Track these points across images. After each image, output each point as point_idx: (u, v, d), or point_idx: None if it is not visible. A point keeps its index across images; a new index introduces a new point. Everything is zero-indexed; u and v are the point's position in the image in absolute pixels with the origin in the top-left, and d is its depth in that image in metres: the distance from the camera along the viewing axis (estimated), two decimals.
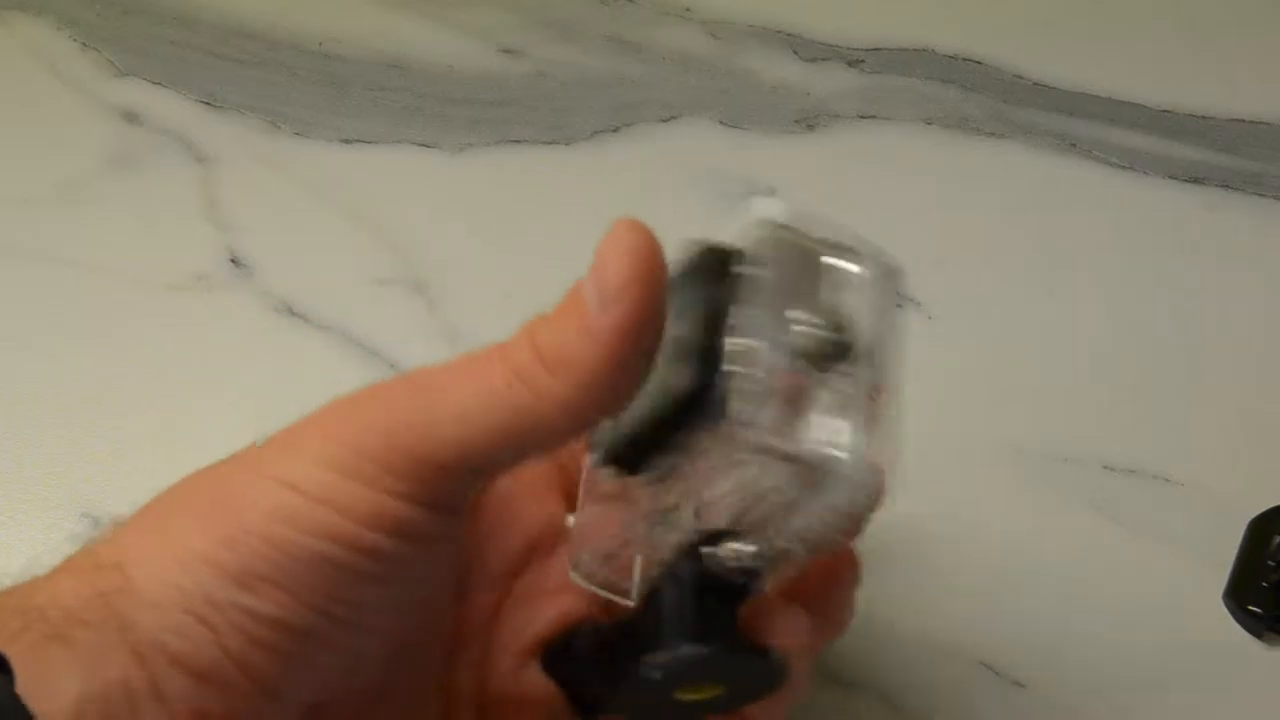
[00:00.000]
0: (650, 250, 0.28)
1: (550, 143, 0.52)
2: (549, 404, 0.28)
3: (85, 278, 0.49)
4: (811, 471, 0.28)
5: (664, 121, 0.52)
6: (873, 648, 0.40)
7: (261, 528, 0.28)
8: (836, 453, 0.28)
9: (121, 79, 0.54)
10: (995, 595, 0.41)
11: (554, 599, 0.34)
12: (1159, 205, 0.49)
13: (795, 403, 0.28)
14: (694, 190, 0.50)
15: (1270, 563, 0.41)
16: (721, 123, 0.52)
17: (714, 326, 0.28)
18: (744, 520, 0.30)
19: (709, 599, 0.30)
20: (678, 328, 0.29)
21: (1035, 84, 0.53)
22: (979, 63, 0.53)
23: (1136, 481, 0.43)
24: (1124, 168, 0.50)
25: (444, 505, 0.29)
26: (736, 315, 0.28)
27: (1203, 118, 0.51)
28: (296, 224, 0.50)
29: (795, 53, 0.54)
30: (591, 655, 0.32)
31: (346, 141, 0.52)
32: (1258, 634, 0.40)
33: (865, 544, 0.43)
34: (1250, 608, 0.40)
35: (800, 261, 0.30)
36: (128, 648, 0.27)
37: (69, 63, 0.55)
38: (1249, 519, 0.42)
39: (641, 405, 0.29)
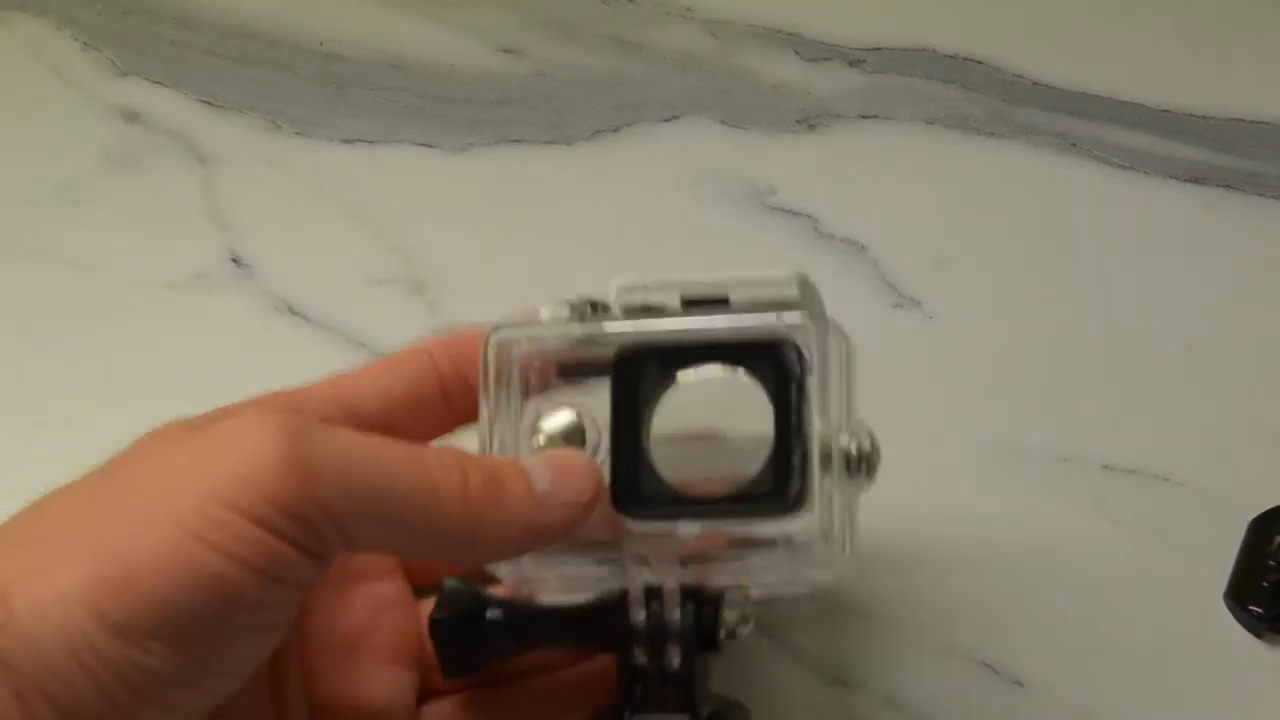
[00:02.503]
0: (598, 489, 0.32)
1: (550, 143, 0.52)
2: (449, 520, 0.30)
3: (85, 278, 0.49)
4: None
5: (664, 121, 0.52)
6: (873, 648, 0.40)
7: (149, 581, 0.27)
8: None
9: (122, 79, 0.54)
10: (995, 595, 0.41)
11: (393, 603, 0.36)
12: (1159, 205, 0.49)
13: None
14: (694, 190, 0.50)
15: (1270, 563, 0.41)
16: (722, 123, 0.52)
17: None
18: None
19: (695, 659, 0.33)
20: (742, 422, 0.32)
21: (1035, 84, 0.53)
22: (979, 63, 0.53)
23: (1136, 481, 0.43)
24: (1124, 168, 0.50)
25: (321, 555, 0.29)
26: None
27: (1203, 118, 0.51)
28: (297, 224, 0.50)
29: (796, 53, 0.54)
30: (491, 629, 0.34)
31: (347, 141, 0.52)
32: (1258, 634, 0.40)
33: (866, 544, 0.43)
34: (1250, 608, 0.40)
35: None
36: (7, 687, 0.27)
37: (69, 63, 0.55)
38: (1249, 519, 0.42)
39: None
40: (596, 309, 0.34)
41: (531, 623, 0.34)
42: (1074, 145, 0.51)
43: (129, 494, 0.29)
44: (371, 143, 0.52)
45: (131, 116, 0.53)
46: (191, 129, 0.53)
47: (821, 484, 0.31)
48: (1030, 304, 0.47)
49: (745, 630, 0.33)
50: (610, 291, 0.34)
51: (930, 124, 0.52)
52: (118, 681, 0.27)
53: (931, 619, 0.41)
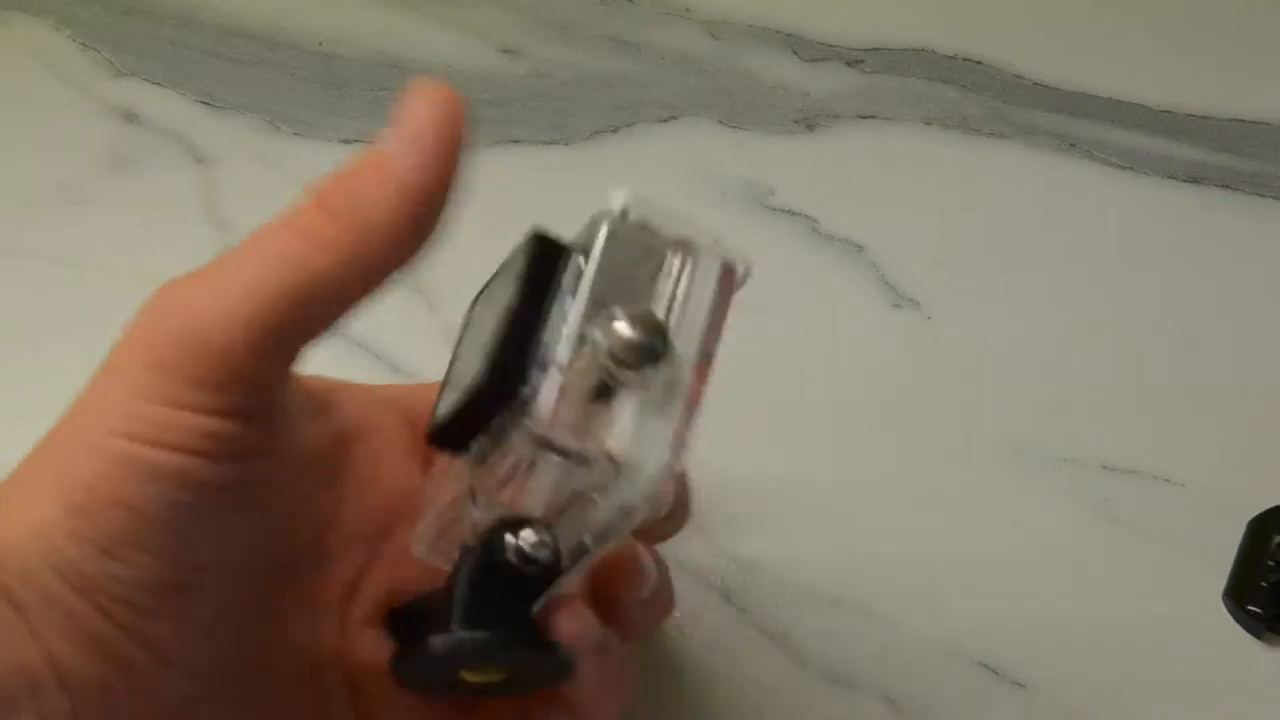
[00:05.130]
0: (452, 101, 0.29)
1: (550, 143, 0.52)
2: (329, 256, 0.28)
3: (85, 278, 0.49)
4: (604, 473, 0.29)
5: (664, 121, 0.52)
6: (873, 648, 0.40)
7: (105, 491, 0.27)
8: (628, 458, 0.28)
9: (121, 79, 0.54)
10: (995, 595, 0.41)
11: (411, 567, 0.34)
12: (1159, 205, 0.49)
13: (598, 402, 0.29)
14: (693, 190, 0.50)
15: (1270, 563, 0.41)
16: (721, 123, 0.52)
17: (530, 319, 0.29)
18: (542, 511, 0.31)
19: (501, 585, 0.30)
20: (493, 317, 0.29)
21: (1035, 84, 0.53)
22: (979, 63, 0.53)
23: (1136, 481, 0.43)
24: (1124, 168, 0.50)
25: (254, 412, 0.28)
26: (552, 309, 0.29)
27: (1203, 118, 0.51)
28: None
29: (795, 53, 0.54)
30: (415, 624, 0.32)
31: (346, 141, 0.52)
32: (1258, 634, 0.40)
33: (866, 543, 0.43)
34: (1250, 608, 0.40)
35: (635, 257, 0.30)
36: (23, 625, 0.27)
37: (69, 63, 0.55)
38: (1249, 519, 0.42)
39: (465, 384, 0.29)
40: None
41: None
42: (1074, 145, 0.51)
43: (71, 423, 0.29)
44: (371, 143, 0.52)
45: (130, 117, 0.53)
46: (190, 129, 0.53)
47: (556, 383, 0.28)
48: (1030, 304, 0.47)
49: (542, 553, 0.30)
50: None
51: (929, 124, 0.52)
52: (115, 601, 0.27)
53: (931, 619, 0.41)
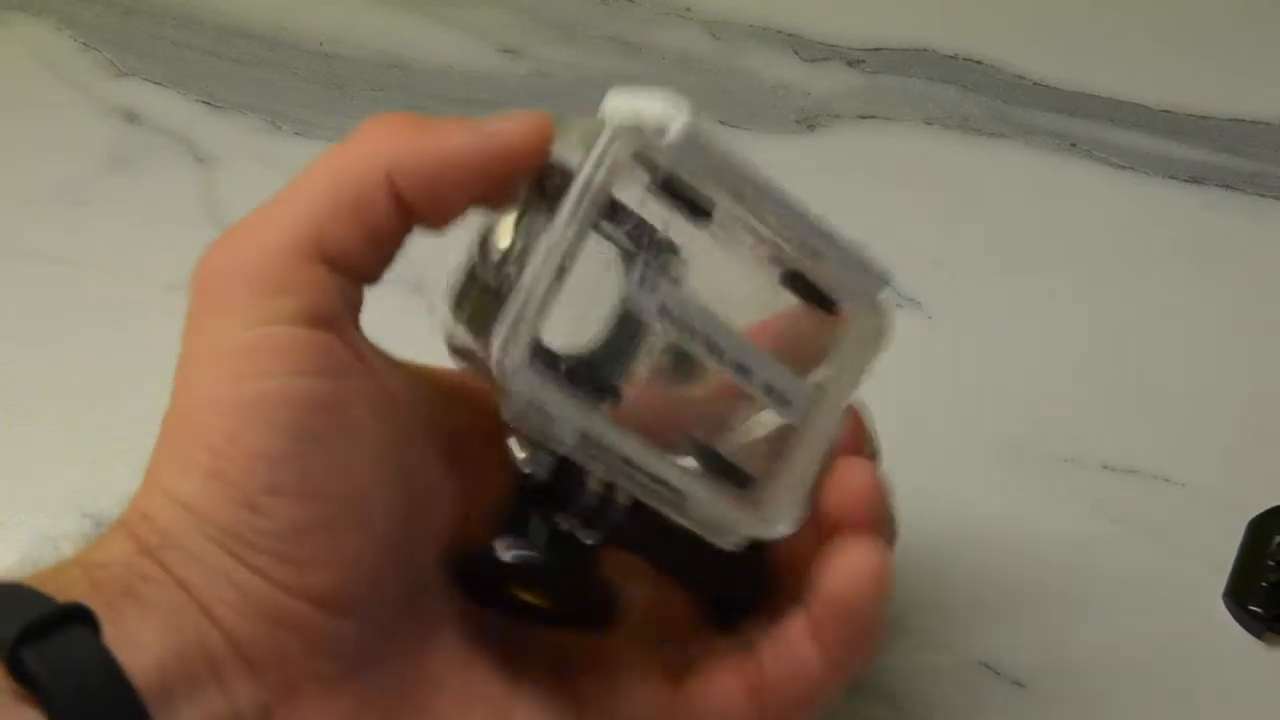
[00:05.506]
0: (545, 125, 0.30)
1: None
2: (381, 158, 0.29)
3: (85, 278, 0.49)
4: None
5: None
6: None
7: (230, 445, 0.28)
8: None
9: (121, 79, 0.54)
10: (995, 595, 0.41)
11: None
12: (1159, 205, 0.49)
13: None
14: None
15: (1270, 563, 0.41)
16: (721, 123, 0.52)
17: None
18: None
19: (570, 521, 0.31)
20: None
21: (1035, 84, 0.53)
22: (979, 63, 0.53)
23: (1136, 481, 0.43)
24: (1124, 168, 0.50)
25: (335, 320, 0.29)
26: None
27: (1203, 118, 0.51)
28: None
29: (795, 53, 0.54)
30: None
31: None
32: (1258, 634, 0.40)
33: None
34: (1250, 608, 0.40)
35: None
36: (194, 603, 0.27)
37: (69, 63, 0.55)
38: (1249, 519, 0.42)
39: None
40: None
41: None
42: (1074, 145, 0.51)
43: (179, 389, 0.29)
44: None
45: (131, 117, 0.53)
46: (191, 129, 0.53)
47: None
48: (1030, 304, 0.47)
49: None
50: None
51: (930, 124, 0.52)
52: (272, 559, 0.28)
53: (931, 619, 0.41)
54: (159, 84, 0.54)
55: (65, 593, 0.26)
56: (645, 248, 0.30)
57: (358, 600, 0.29)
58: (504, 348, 0.28)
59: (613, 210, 0.30)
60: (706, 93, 0.53)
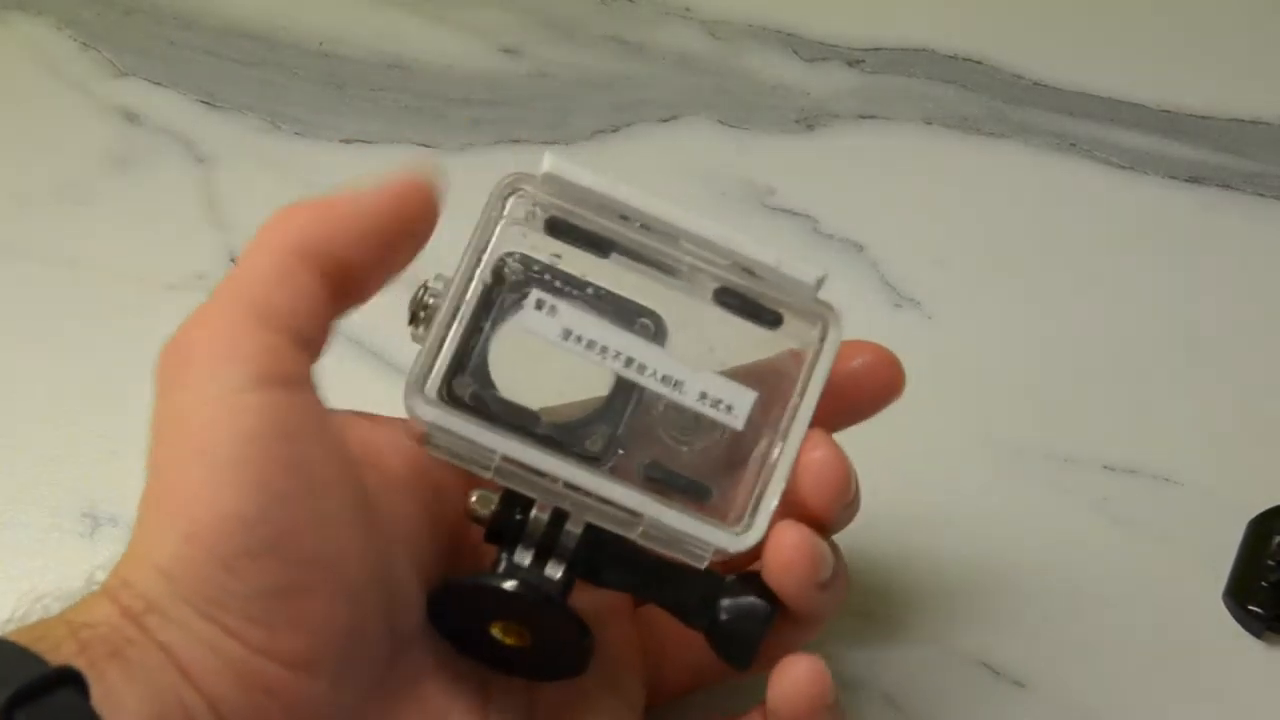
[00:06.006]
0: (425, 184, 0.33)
1: (550, 142, 0.52)
2: (327, 223, 0.32)
3: (85, 278, 0.49)
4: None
5: (664, 121, 0.52)
6: (873, 648, 0.40)
7: (207, 509, 0.28)
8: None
9: (121, 79, 0.54)
10: (995, 595, 0.41)
11: None
12: (1159, 205, 0.49)
13: None
14: (693, 190, 0.50)
15: (1270, 563, 0.41)
16: (721, 123, 0.52)
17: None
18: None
19: (541, 551, 0.32)
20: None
21: (1035, 84, 0.53)
22: (979, 63, 0.53)
23: (1136, 481, 0.43)
24: (1124, 168, 0.50)
25: (285, 379, 0.30)
26: None
27: (1203, 118, 0.51)
28: None
29: (795, 53, 0.54)
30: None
31: (346, 141, 0.52)
32: (1258, 634, 0.40)
33: (866, 544, 0.43)
34: (1250, 608, 0.40)
35: None
36: (175, 668, 0.28)
37: (69, 63, 0.55)
38: (1249, 519, 0.42)
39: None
40: None
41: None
42: (1074, 145, 0.51)
43: (154, 455, 0.30)
44: (371, 143, 0.52)
45: (131, 116, 0.53)
46: (190, 129, 0.53)
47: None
48: (1030, 304, 0.47)
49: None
50: None
51: (929, 124, 0.52)
52: (243, 621, 0.28)
53: (931, 619, 0.41)
54: (159, 84, 0.54)
55: (53, 653, 0.26)
56: (541, 280, 0.32)
57: (332, 661, 0.29)
58: (408, 388, 0.31)
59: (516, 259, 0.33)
60: (706, 93, 0.53)
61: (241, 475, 0.28)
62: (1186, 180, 0.50)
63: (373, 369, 0.45)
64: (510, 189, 0.33)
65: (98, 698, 0.26)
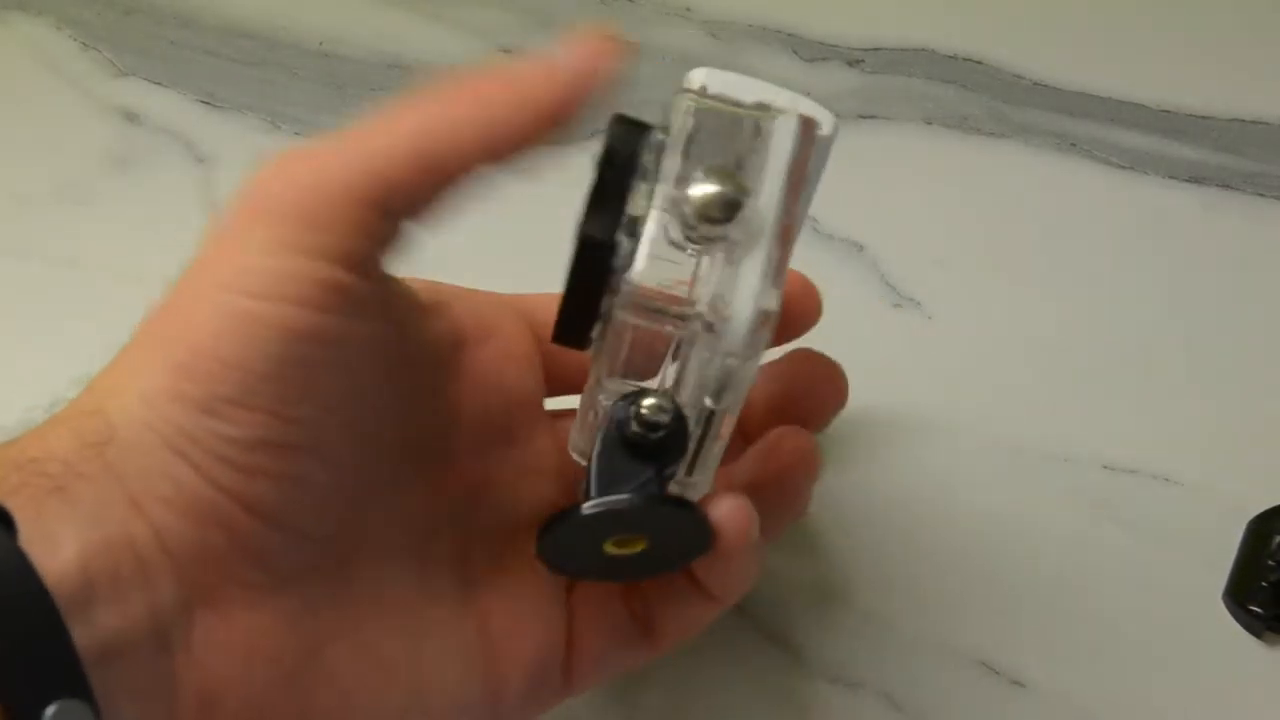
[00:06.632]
0: (614, 50, 0.32)
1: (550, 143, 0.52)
2: (459, 124, 0.29)
3: (85, 278, 0.49)
4: (706, 323, 0.30)
5: None
6: (873, 647, 0.40)
7: (211, 348, 0.27)
8: (721, 309, 0.30)
9: (121, 79, 0.54)
10: (995, 595, 0.41)
11: (539, 477, 0.35)
12: (1159, 205, 0.49)
13: (690, 262, 0.30)
14: None
15: (1270, 563, 0.41)
16: None
17: (615, 195, 0.31)
18: (655, 378, 0.32)
19: (634, 456, 0.31)
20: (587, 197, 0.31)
21: (1035, 84, 0.53)
22: (979, 63, 0.53)
23: (1136, 481, 0.43)
24: (1124, 168, 0.50)
25: (364, 265, 0.29)
26: (638, 185, 0.31)
27: (1203, 118, 0.51)
28: None
29: (795, 53, 0.54)
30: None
31: None
32: (1258, 634, 0.40)
33: (866, 544, 0.43)
34: (1250, 608, 0.40)
35: (719, 128, 0.32)
36: (124, 500, 0.27)
37: (69, 63, 0.55)
38: (1249, 519, 0.42)
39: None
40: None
41: None
42: (1074, 145, 0.51)
43: (180, 287, 0.29)
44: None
45: (131, 116, 0.53)
46: (191, 129, 0.53)
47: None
48: (1030, 304, 0.47)
49: (663, 417, 0.31)
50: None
51: (929, 124, 0.52)
52: (218, 462, 0.27)
53: (931, 619, 0.41)
54: (159, 84, 0.54)
55: None
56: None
57: (296, 518, 0.29)
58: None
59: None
60: None
61: (262, 333, 0.27)
62: (1186, 180, 0.50)
63: None
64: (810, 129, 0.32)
65: (29, 536, 0.25)
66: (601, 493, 0.31)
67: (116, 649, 0.26)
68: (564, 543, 0.32)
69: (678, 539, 0.32)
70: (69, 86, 0.54)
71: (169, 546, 0.27)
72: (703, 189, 0.30)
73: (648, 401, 0.31)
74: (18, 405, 0.46)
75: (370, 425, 0.30)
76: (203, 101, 0.54)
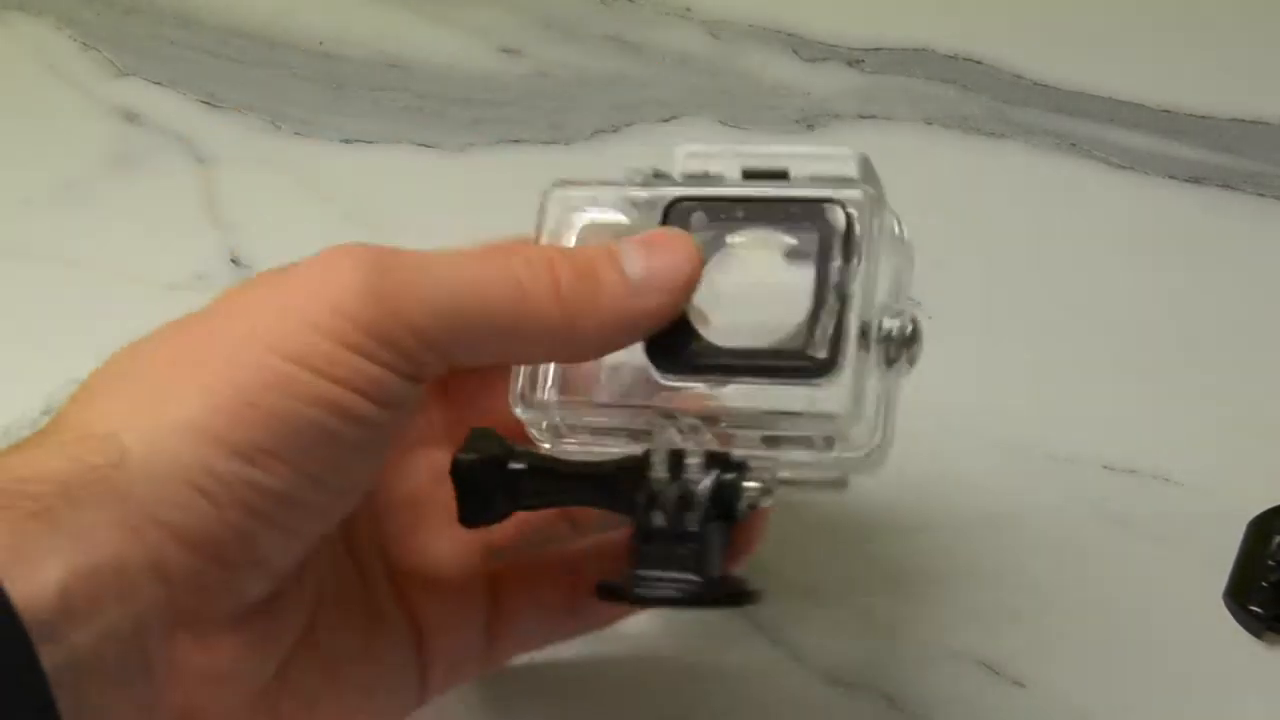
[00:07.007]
0: (697, 259, 0.32)
1: (550, 143, 0.52)
2: (531, 319, 0.30)
3: (85, 278, 0.49)
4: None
5: (664, 121, 0.52)
6: (873, 648, 0.40)
7: (263, 400, 0.28)
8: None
9: (121, 79, 0.55)
10: (995, 595, 0.41)
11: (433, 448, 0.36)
12: (1159, 205, 0.49)
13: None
14: None
15: (1270, 563, 0.41)
16: (721, 123, 0.52)
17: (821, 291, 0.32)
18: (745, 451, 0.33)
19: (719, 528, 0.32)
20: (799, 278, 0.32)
21: (1035, 84, 0.53)
22: (979, 63, 0.53)
23: (1136, 481, 0.43)
24: (1124, 168, 0.50)
25: (417, 378, 0.30)
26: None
27: (1203, 118, 0.51)
28: (296, 224, 0.50)
29: (795, 53, 0.54)
30: (513, 478, 0.34)
31: (346, 141, 0.52)
32: (1258, 634, 0.40)
33: (866, 544, 0.43)
34: (1250, 608, 0.40)
35: None
36: (121, 523, 0.27)
37: (69, 63, 0.55)
38: (1249, 519, 0.42)
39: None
40: (659, 176, 0.34)
41: (554, 477, 0.34)
42: (1074, 145, 0.51)
43: (225, 329, 0.30)
44: (371, 143, 0.52)
45: (131, 116, 0.53)
46: (191, 129, 0.53)
47: (856, 357, 0.31)
48: (1030, 304, 0.47)
49: (766, 502, 0.32)
50: (675, 160, 0.34)
51: (929, 124, 0.52)
52: (237, 504, 0.28)
53: (931, 619, 0.41)
54: (159, 84, 0.54)
55: None
56: None
57: (283, 561, 0.30)
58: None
59: None
60: (706, 93, 0.53)
61: (306, 399, 0.28)
62: (1187, 180, 0.50)
63: None
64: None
65: (11, 559, 0.25)
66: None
67: (96, 669, 0.27)
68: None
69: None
70: (69, 86, 0.54)
71: (163, 572, 0.28)
72: (909, 327, 0.33)
73: (753, 487, 0.32)
74: (18, 406, 0.46)
75: (363, 485, 0.32)
76: (203, 101, 0.54)
